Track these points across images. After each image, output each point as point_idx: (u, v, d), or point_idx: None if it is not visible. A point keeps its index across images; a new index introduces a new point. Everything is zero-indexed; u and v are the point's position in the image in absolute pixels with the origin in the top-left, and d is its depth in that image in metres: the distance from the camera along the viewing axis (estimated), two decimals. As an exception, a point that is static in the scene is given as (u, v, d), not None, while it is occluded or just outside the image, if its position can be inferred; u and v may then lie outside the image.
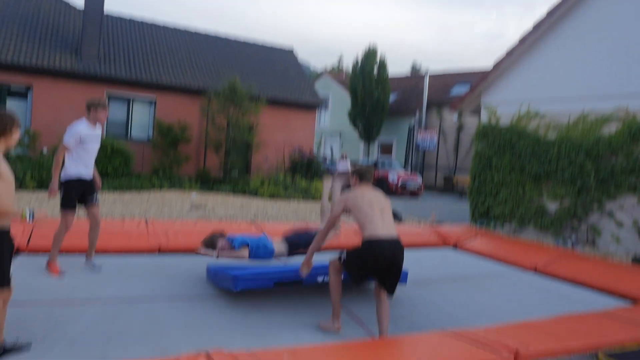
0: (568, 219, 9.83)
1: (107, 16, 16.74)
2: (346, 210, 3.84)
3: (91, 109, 4.89)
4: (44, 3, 16.07)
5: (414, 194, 18.86)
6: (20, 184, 10.86)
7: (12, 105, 13.52)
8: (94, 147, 5.00)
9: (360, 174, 4.04)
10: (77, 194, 4.90)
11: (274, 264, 4.55)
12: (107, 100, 14.63)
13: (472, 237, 8.99)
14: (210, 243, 4.83)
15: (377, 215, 3.66)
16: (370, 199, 3.79)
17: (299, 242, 4.66)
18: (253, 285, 4.34)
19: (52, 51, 14.31)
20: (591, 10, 10.14)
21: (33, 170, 11.34)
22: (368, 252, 3.57)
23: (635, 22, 9.38)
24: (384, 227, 3.62)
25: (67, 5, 16.66)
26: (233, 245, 4.73)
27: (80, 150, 4.83)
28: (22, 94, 13.88)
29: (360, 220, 3.66)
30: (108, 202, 9.92)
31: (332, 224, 3.90)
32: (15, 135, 3.36)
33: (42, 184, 11.20)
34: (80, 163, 4.85)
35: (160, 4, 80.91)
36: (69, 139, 4.73)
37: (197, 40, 18.48)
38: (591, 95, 9.76)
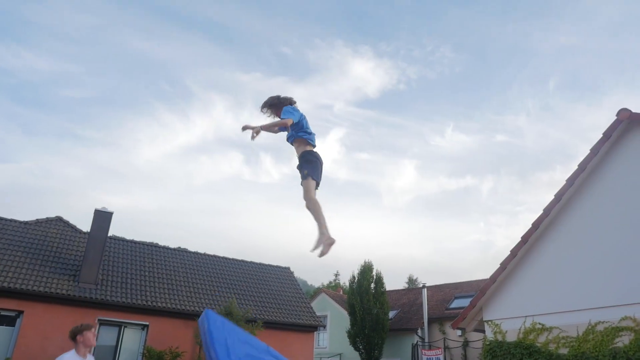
0: None
1: (111, 238, 17.34)
2: None
3: (77, 336, 4.61)
4: (52, 228, 16.75)
5: None
6: None
7: (-2, 333, 12.97)
8: None
9: None
10: None
11: None
12: (97, 327, 14.14)
13: None
14: None
15: None
16: None
17: None
18: None
19: (50, 275, 14.36)
20: (562, 235, 10.64)
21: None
22: None
23: (627, 232, 9.73)
24: None
25: (74, 229, 17.35)
26: None
27: None
28: (11, 320, 13.43)
29: None
30: None
31: None
32: None
33: None
34: None
35: (162, 230, 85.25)
36: None
37: (195, 260, 18.84)
38: (593, 306, 9.57)
